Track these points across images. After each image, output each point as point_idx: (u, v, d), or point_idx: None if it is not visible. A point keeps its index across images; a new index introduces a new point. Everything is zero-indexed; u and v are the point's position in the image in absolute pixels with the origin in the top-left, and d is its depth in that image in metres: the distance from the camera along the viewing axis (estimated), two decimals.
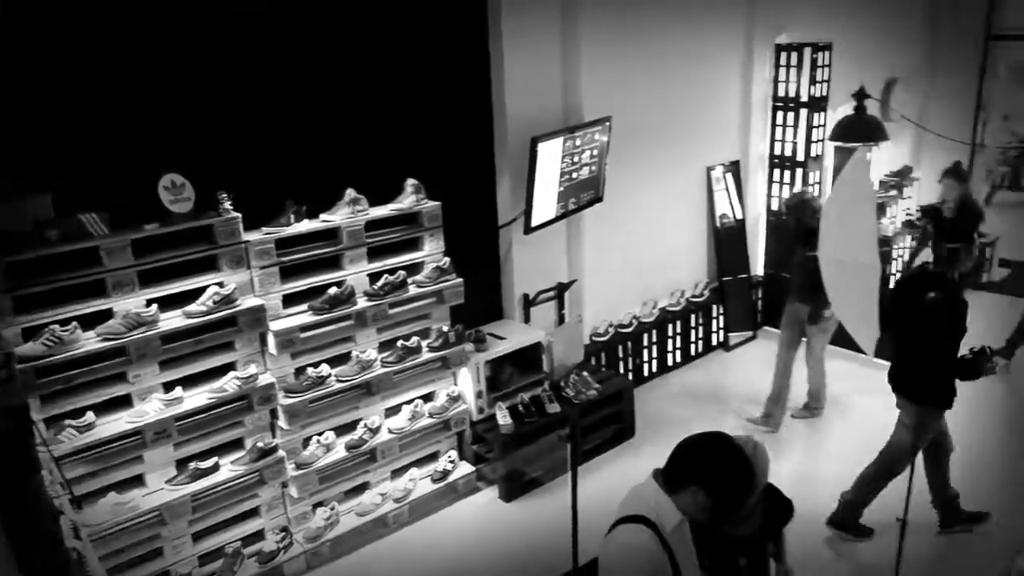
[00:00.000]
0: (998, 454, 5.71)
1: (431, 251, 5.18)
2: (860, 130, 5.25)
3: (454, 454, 5.44)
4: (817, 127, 7.32)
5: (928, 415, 4.38)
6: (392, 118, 5.12)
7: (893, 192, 8.63)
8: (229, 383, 4.36)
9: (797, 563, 3.43)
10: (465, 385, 5.43)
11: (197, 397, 4.32)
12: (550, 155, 5.42)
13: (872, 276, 3.29)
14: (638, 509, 2.51)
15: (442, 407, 5.26)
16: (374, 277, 4.95)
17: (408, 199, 5.03)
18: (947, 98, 9.39)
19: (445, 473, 5.33)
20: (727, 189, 7.51)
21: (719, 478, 2.45)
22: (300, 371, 4.74)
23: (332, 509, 4.89)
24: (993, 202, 12.25)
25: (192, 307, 4.25)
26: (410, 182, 5.05)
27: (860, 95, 5.04)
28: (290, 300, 4.68)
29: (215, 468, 4.41)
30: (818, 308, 5.71)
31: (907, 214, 8.63)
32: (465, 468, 5.45)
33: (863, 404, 6.35)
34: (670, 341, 7.11)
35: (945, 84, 9.39)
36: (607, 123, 5.87)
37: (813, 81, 7.23)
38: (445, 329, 5.23)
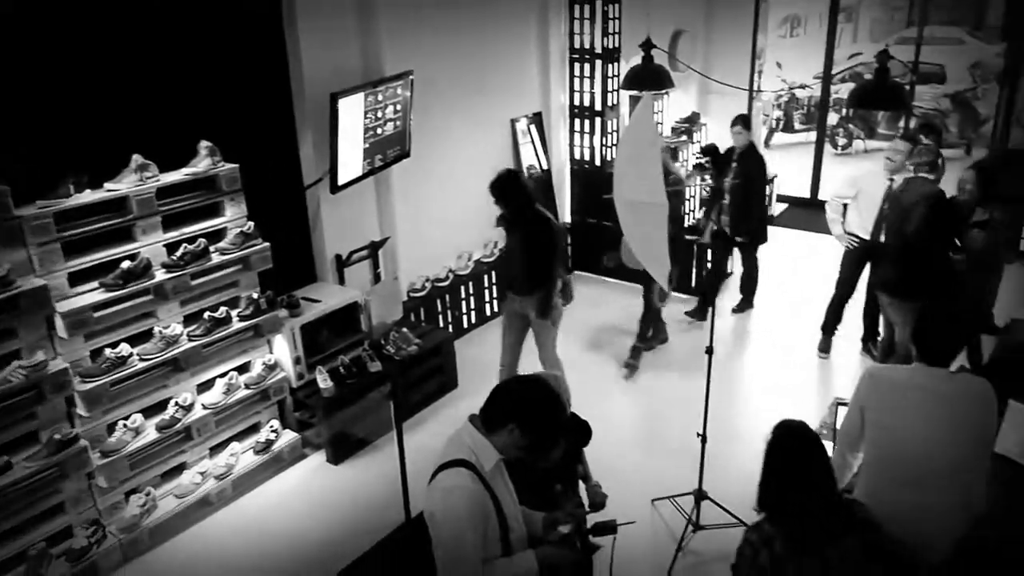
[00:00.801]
0: None
1: (233, 216, 4.95)
2: (648, 78, 5.56)
3: (276, 423, 5.31)
4: (612, 77, 7.67)
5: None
6: (180, 78, 4.80)
7: (684, 137, 9.22)
8: (13, 373, 3.99)
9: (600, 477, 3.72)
10: (281, 352, 5.29)
11: None
12: (352, 111, 5.31)
13: (661, 215, 3.53)
14: (457, 454, 2.60)
15: (259, 377, 5.10)
16: (172, 247, 4.67)
17: (203, 163, 4.76)
18: (727, 49, 10.11)
19: (268, 443, 5.20)
20: (532, 140, 7.72)
21: (533, 414, 2.59)
22: (97, 353, 4.42)
23: (147, 495, 4.64)
24: (771, 144, 13.45)
25: None
26: (204, 144, 4.78)
27: (647, 45, 5.32)
28: (80, 278, 4.33)
29: (7, 467, 4.04)
30: (547, 298, 5.18)
31: (696, 157, 9.27)
32: (289, 436, 5.34)
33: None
34: (487, 292, 7.27)
35: (724, 36, 10.10)
36: (409, 77, 5.82)
37: (606, 33, 7.55)
38: (255, 296, 5.05)
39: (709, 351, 4.30)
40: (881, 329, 6.12)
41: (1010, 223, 6.27)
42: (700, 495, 4.51)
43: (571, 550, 2.82)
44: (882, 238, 5.95)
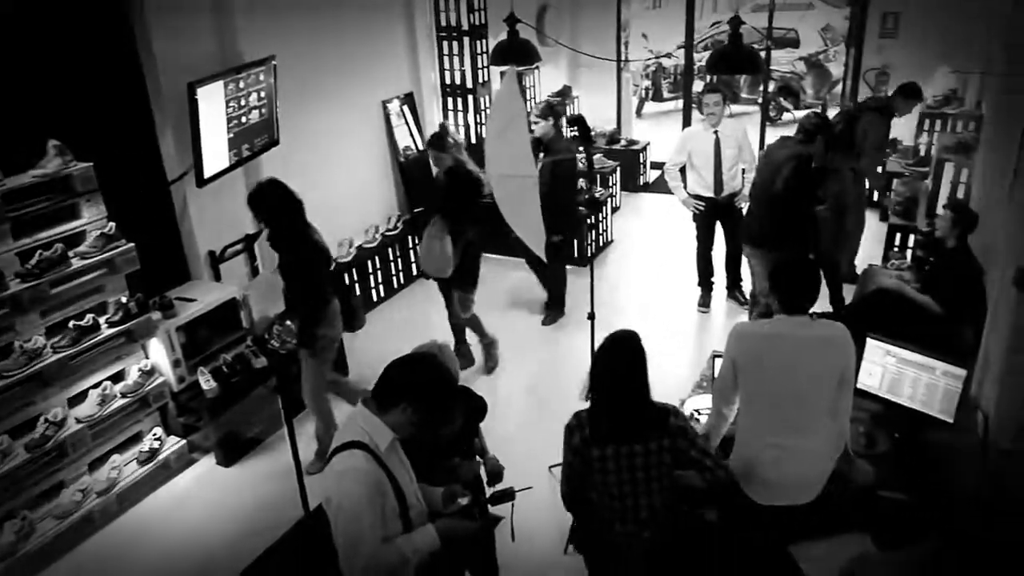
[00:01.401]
0: None
1: (91, 218, 4.68)
2: (514, 53, 5.58)
3: (159, 431, 5.09)
4: (480, 54, 7.67)
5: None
6: (20, 75, 4.48)
7: None
8: None
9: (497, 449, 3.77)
10: (159, 356, 5.07)
11: None
12: (212, 101, 5.11)
13: (532, 187, 3.58)
14: (350, 436, 2.59)
15: (135, 384, 4.88)
16: (26, 256, 4.38)
17: (52, 163, 4.47)
18: (593, 22, 10.28)
19: (153, 452, 4.99)
20: (406, 121, 7.64)
21: (425, 391, 2.60)
22: None
23: (23, 519, 4.36)
24: (643, 113, 13.81)
25: None
26: (52, 144, 4.49)
27: (511, 20, 5.34)
28: None
29: None
30: (303, 327, 4.83)
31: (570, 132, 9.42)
32: (175, 442, 5.14)
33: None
34: (371, 277, 7.18)
35: (590, 10, 10.26)
36: (271, 63, 5.64)
37: (471, 9, 7.53)
38: (124, 300, 4.81)
39: (591, 316, 4.40)
40: (747, 279, 6.42)
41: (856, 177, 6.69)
42: None
43: (471, 521, 2.86)
44: (722, 190, 6.27)
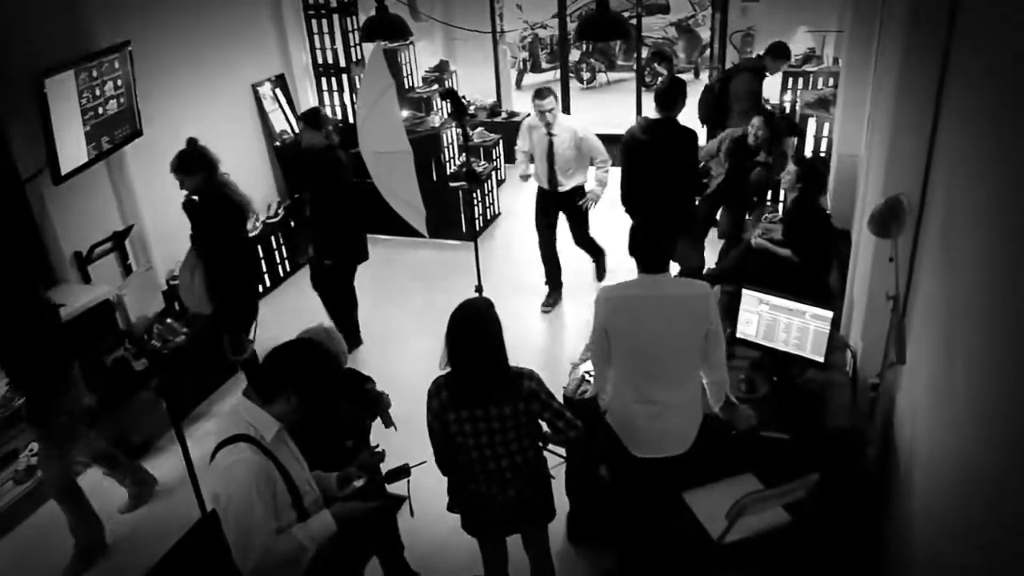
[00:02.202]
0: None
1: None
2: (384, 28, 5.46)
3: (36, 446, 4.81)
4: (352, 31, 7.51)
5: None
6: None
7: (435, 86, 9.24)
8: None
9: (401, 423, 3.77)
10: None
11: None
12: (64, 92, 4.80)
13: (408, 161, 3.54)
14: (234, 430, 2.53)
15: (3, 399, 4.57)
16: None
17: None
18: None
19: (30, 470, 4.71)
20: (280, 104, 7.41)
21: (309, 376, 2.55)
22: None
23: None
24: (524, 85, 13.86)
25: None
26: None
27: None
28: None
29: None
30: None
31: (447, 107, 9.36)
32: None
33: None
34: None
35: None
36: (127, 49, 5.34)
37: None
38: None
39: (478, 290, 4.43)
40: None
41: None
42: None
43: (367, 501, 2.84)
44: (558, 187, 6.08)
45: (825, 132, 7.01)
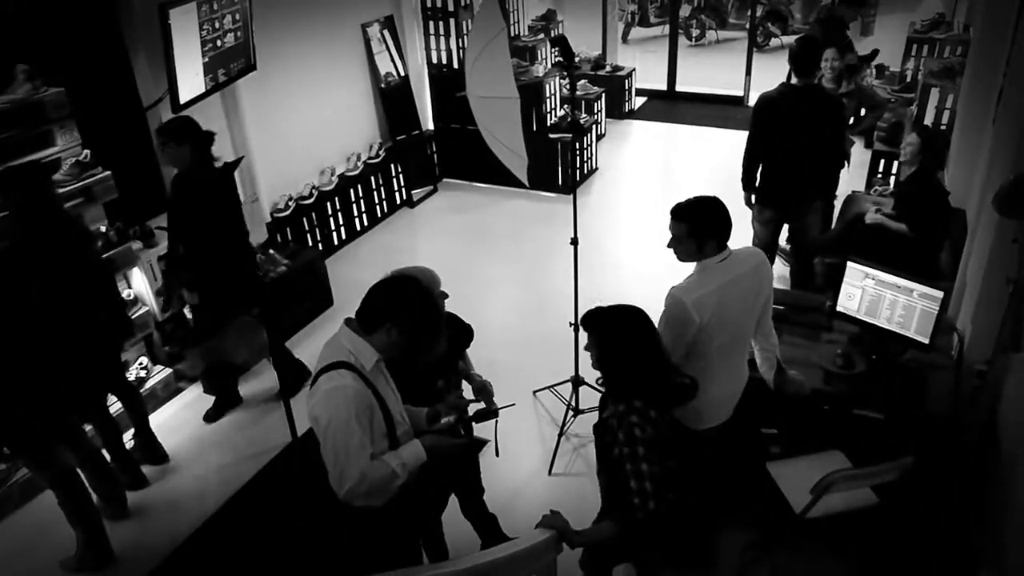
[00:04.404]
0: None
1: (65, 145, 4.58)
2: None
3: (145, 360, 5.10)
4: None
5: None
6: None
7: (541, 35, 9.13)
8: None
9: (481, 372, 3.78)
10: (140, 286, 5.04)
11: None
12: (186, 23, 4.94)
13: (515, 108, 3.53)
14: (336, 356, 2.60)
15: None
16: None
17: (22, 88, 4.35)
18: None
19: (139, 382, 5.01)
20: (387, 46, 7.46)
21: (409, 311, 2.61)
22: None
23: None
24: (630, 39, 13.56)
25: None
26: (21, 68, 4.35)
27: None
28: None
29: None
30: None
31: (555, 56, 9.24)
32: (161, 372, 5.16)
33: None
34: (354, 206, 7.12)
35: None
36: None
37: None
38: (103, 229, 4.75)
39: (574, 242, 4.41)
40: None
41: None
42: (577, 381, 4.70)
43: (456, 437, 2.91)
44: None
45: (948, 104, 6.62)
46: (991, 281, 3.57)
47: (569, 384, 4.72)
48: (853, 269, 3.81)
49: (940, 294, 3.55)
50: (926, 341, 3.62)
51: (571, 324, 4.57)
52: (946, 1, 8.49)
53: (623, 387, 2.73)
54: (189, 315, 5.10)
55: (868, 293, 3.77)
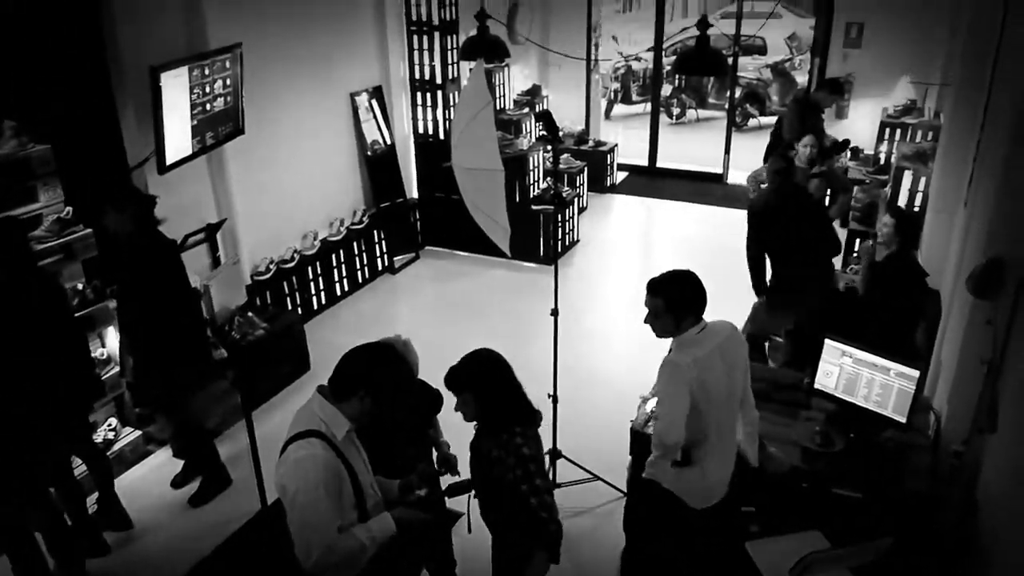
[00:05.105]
0: None
1: (48, 201, 4.57)
2: (483, 48, 5.57)
3: (115, 421, 5.00)
4: (451, 49, 7.65)
5: None
6: None
7: (526, 110, 9.33)
8: None
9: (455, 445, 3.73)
10: (115, 345, 4.97)
11: None
12: (176, 87, 5.03)
13: (499, 180, 3.58)
14: (307, 425, 2.57)
15: None
16: None
17: (9, 144, 4.36)
18: (564, 22, 10.31)
19: (108, 444, 4.89)
20: (374, 115, 7.59)
21: (382, 381, 2.59)
22: None
23: None
24: (613, 116, 13.88)
25: None
26: (9, 124, 4.38)
27: (481, 16, 5.33)
28: None
29: None
30: None
31: (539, 130, 9.43)
32: (131, 434, 5.05)
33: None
34: (335, 271, 7.12)
35: (562, 10, 10.29)
36: (238, 51, 5.57)
37: (443, 4, 7.50)
38: (80, 287, 4.71)
39: (554, 313, 4.41)
40: None
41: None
42: (555, 454, 4.64)
43: (427, 511, 2.85)
44: None
45: (921, 186, 6.80)
46: (966, 361, 3.60)
47: (547, 457, 4.66)
48: (831, 346, 3.84)
49: (916, 373, 3.58)
50: (903, 420, 3.63)
51: (549, 396, 4.53)
52: (917, 89, 8.79)
53: (502, 419, 2.89)
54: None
55: (846, 371, 3.79)
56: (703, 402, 3.03)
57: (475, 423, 2.99)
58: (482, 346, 3.03)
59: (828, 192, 6.90)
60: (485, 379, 2.92)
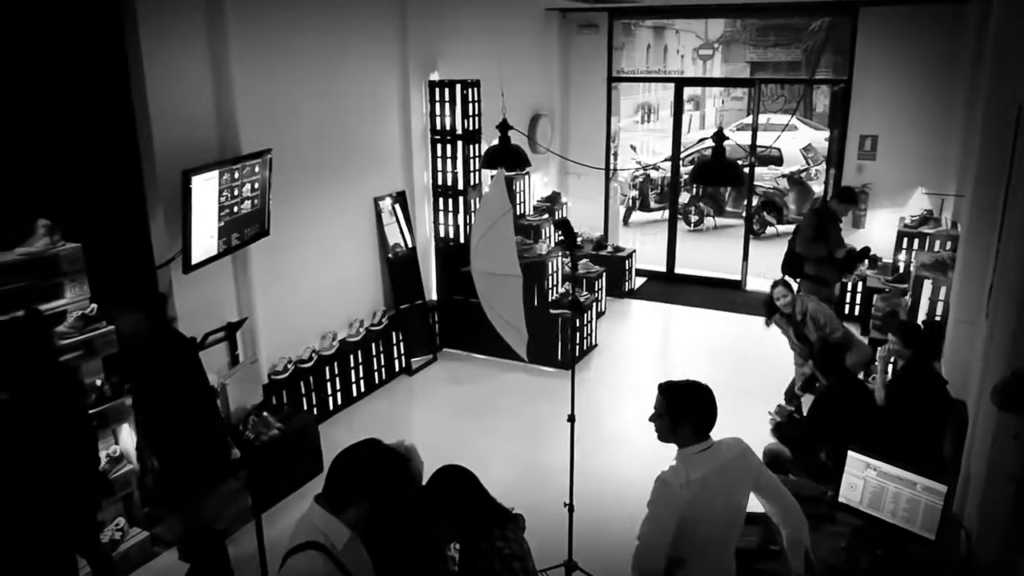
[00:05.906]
0: None
1: (74, 298, 4.66)
2: (505, 157, 5.74)
3: (122, 520, 4.92)
4: (473, 157, 7.89)
5: None
6: (15, 152, 4.57)
7: (545, 216, 9.53)
8: None
9: None
10: (128, 443, 4.95)
11: None
12: (206, 189, 5.19)
13: (517, 285, 3.61)
14: (306, 536, 2.48)
15: (102, 471, 4.73)
16: None
17: (40, 242, 4.49)
18: (583, 132, 10.66)
19: (114, 544, 4.80)
20: (397, 219, 7.76)
21: (376, 481, 2.51)
22: None
23: None
24: (631, 222, 14.10)
25: None
26: (41, 223, 4.52)
27: (503, 127, 5.51)
28: None
29: None
30: None
31: (558, 236, 9.58)
32: (138, 534, 4.95)
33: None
34: (353, 372, 7.12)
35: (581, 121, 10.66)
36: (267, 156, 5.77)
37: (465, 115, 7.79)
38: (99, 383, 4.73)
39: (571, 419, 4.36)
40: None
41: None
42: (571, 566, 4.49)
43: None
44: None
45: (941, 296, 6.78)
46: (994, 476, 3.49)
47: (562, 569, 4.51)
48: (854, 459, 3.74)
49: (944, 488, 3.46)
50: (932, 537, 3.49)
51: (565, 504, 4.43)
52: (933, 200, 8.90)
53: (477, 527, 2.86)
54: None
55: (871, 484, 3.68)
56: (691, 523, 2.92)
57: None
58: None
59: None
60: (465, 495, 2.93)
